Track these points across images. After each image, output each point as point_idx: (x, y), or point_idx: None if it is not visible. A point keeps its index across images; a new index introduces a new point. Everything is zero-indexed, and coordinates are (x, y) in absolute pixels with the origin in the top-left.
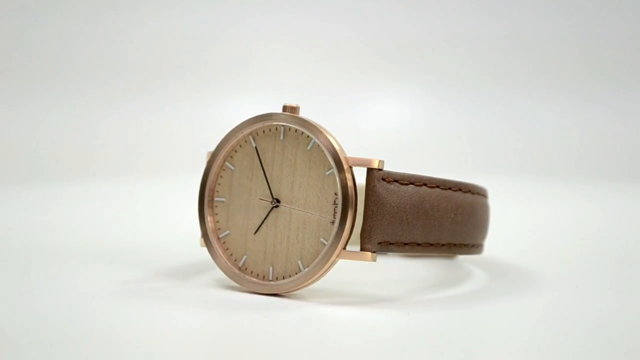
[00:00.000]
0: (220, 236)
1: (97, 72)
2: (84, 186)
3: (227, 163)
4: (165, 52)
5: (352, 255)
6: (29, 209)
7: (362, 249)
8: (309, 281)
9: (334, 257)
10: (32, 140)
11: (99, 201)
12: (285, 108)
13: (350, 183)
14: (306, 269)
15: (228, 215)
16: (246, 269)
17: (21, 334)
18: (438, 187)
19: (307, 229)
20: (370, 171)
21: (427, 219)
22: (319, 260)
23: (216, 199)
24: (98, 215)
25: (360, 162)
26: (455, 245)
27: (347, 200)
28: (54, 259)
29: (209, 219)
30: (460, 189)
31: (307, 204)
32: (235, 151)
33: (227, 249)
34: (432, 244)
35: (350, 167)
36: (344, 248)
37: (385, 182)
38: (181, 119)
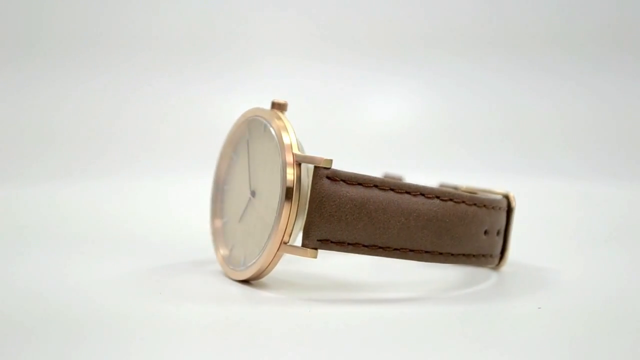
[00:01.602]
0: (223, 221)
1: (109, 52)
2: (91, 176)
3: (232, 152)
4: (190, 32)
5: (293, 250)
6: (40, 195)
7: (302, 245)
8: (257, 271)
9: (273, 249)
10: (44, 123)
11: (109, 190)
12: (273, 105)
13: (290, 177)
14: (255, 259)
15: (230, 203)
16: (231, 255)
17: (28, 319)
18: (392, 190)
19: (266, 220)
20: (316, 169)
21: (369, 220)
22: (261, 251)
23: (225, 186)
24: (111, 203)
25: (306, 160)
26: (413, 251)
27: (283, 195)
28: (60, 247)
29: (214, 206)
30: (422, 194)
31: (269, 197)
32: (239, 141)
33: (224, 234)
34: (381, 247)
35: (299, 164)
36: (285, 242)
37: (329, 181)
38: (188, 112)
